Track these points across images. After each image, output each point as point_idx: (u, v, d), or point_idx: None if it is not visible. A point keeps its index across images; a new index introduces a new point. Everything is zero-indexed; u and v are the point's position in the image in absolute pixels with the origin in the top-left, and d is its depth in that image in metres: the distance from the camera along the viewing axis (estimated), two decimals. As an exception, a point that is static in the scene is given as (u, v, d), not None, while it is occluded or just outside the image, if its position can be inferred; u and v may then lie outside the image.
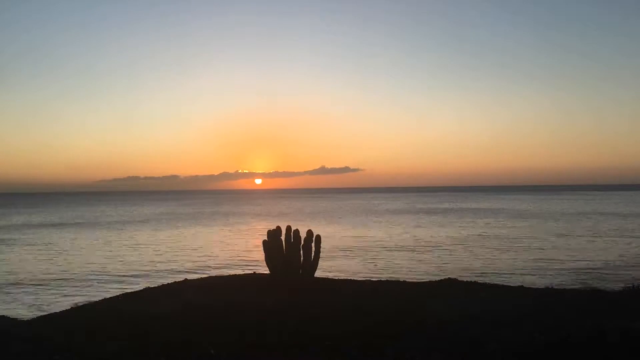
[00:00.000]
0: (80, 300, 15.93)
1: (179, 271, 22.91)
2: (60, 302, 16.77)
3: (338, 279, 11.31)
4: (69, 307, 9.98)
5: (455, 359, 5.44)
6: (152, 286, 10.91)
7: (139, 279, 21.17)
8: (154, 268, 24.50)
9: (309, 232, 10.32)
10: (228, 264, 25.27)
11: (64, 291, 19.11)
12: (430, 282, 11.11)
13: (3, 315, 11.25)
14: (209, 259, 27.43)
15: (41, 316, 9.13)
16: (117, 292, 12.87)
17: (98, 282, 20.89)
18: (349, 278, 12.21)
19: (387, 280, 11.31)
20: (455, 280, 11.10)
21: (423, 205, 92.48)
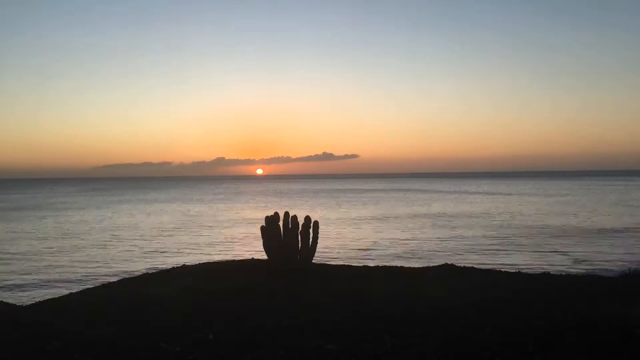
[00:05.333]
0: (77, 285, 15.98)
1: (177, 256, 22.97)
2: (58, 287, 16.82)
3: (336, 265, 11.34)
4: (67, 292, 10.01)
5: (452, 345, 5.47)
6: (151, 271, 10.94)
7: (137, 264, 21.22)
8: (152, 253, 24.56)
9: (307, 218, 10.33)
10: (226, 250, 25.35)
11: (62, 276, 19.15)
12: (427, 267, 11.14)
13: (1, 301, 11.29)
14: (207, 245, 27.50)
15: (40, 301, 9.15)
16: (115, 278, 12.91)
17: (96, 267, 20.94)
18: (347, 264, 12.24)
19: (384, 266, 11.34)
20: (452, 265, 11.14)
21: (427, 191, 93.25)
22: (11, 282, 18.05)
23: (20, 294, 16.16)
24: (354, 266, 11.25)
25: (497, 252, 23.47)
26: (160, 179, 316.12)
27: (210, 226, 36.99)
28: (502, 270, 11.40)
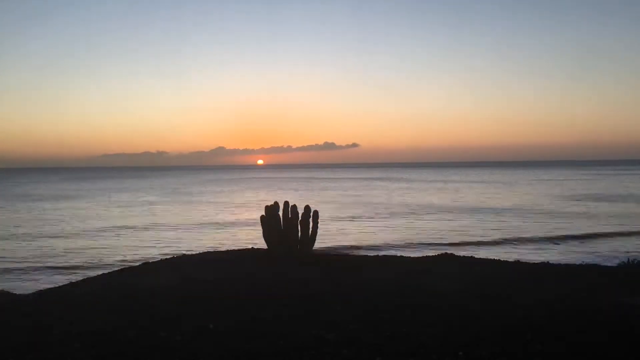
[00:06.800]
0: (77, 275, 16.01)
1: (177, 246, 22.99)
2: (57, 277, 16.85)
3: (335, 254, 11.36)
4: (68, 282, 10.02)
5: (451, 334, 5.48)
6: (151, 261, 10.94)
7: (136, 254, 21.24)
8: (152, 243, 24.58)
9: (307, 208, 10.33)
10: (225, 239, 25.36)
11: (61, 267, 19.17)
12: (427, 257, 11.17)
13: (2, 290, 11.30)
14: (207, 234, 27.52)
15: (40, 291, 9.16)
16: (115, 268, 12.92)
17: (94, 257, 20.95)
18: (347, 253, 12.25)
19: (384, 256, 11.36)
20: (452, 255, 11.16)
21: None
22: (11, 271, 18.08)
23: (21, 283, 16.19)
24: (353, 255, 11.27)
25: (495, 240, 23.50)
26: (154, 168, 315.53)
27: (209, 216, 37.01)
28: (501, 259, 11.42)
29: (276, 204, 10.44)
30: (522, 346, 5.10)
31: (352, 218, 33.49)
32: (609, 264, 11.82)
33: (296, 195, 57.39)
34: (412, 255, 12.28)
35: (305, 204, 10.60)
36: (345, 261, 10.21)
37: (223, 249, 13.66)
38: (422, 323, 5.85)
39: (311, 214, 10.32)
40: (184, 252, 11.81)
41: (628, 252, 18.51)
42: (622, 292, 7.44)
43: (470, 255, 11.58)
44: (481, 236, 24.70)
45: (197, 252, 11.61)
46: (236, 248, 12.69)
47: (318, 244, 10.69)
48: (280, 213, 10.33)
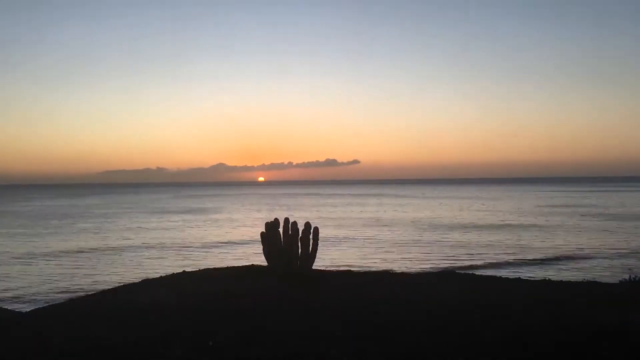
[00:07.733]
0: (78, 292, 15.95)
1: (177, 263, 22.93)
2: (58, 294, 16.79)
3: (336, 271, 11.33)
4: (67, 300, 9.99)
5: (452, 344, 5.47)
6: (150, 278, 10.92)
7: (136, 272, 21.18)
8: (152, 260, 24.52)
9: (307, 224, 10.33)
10: (226, 256, 25.31)
11: (62, 283, 19.12)
12: (429, 273, 11.16)
13: (2, 308, 11.27)
14: (207, 251, 27.46)
15: (40, 308, 9.14)
16: (114, 285, 12.88)
17: (94, 274, 20.90)
18: (347, 269, 12.24)
19: (385, 271, 11.35)
20: (453, 272, 11.15)
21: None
22: (11, 290, 18.02)
23: (20, 302, 16.13)
24: (354, 272, 11.24)
25: (496, 259, 23.43)
26: (153, 185, 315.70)
27: (209, 232, 36.94)
28: (502, 276, 11.40)
29: (276, 220, 10.44)
30: (521, 353, 5.11)
31: (352, 235, 33.45)
32: (610, 281, 11.79)
33: (296, 211, 57.53)
34: (414, 271, 12.26)
35: (306, 220, 10.62)
36: (345, 277, 10.19)
37: (223, 265, 13.61)
38: (423, 334, 5.84)
39: (311, 230, 10.32)
40: (184, 269, 11.78)
41: (630, 268, 18.48)
42: (622, 308, 7.42)
43: (471, 272, 11.57)
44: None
45: (198, 269, 11.58)
46: (236, 265, 12.66)
47: (318, 260, 10.67)
48: (281, 230, 10.33)
